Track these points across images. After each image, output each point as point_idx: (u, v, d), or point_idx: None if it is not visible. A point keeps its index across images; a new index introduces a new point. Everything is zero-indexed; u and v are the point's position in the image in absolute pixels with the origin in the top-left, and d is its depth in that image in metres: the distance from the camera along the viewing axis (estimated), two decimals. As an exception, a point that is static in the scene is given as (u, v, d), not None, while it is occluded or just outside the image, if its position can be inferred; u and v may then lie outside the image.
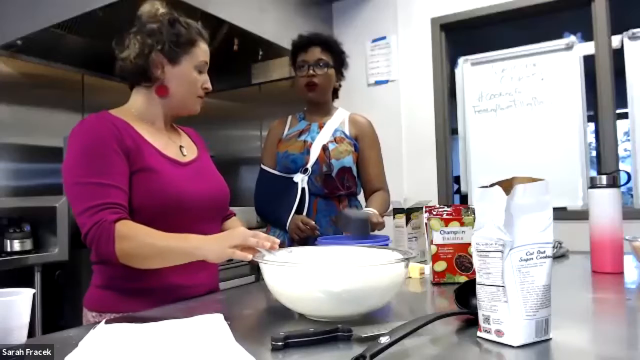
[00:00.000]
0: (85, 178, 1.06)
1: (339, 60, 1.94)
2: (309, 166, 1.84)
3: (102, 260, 1.12)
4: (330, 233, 1.81)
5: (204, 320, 0.81)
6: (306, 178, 1.85)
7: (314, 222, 1.79)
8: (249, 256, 0.96)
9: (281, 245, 1.84)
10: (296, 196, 1.85)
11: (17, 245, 2.12)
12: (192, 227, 1.16)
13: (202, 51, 1.23)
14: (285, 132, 1.98)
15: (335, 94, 2.02)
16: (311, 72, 1.87)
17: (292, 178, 1.88)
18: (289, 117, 2.02)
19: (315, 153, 1.85)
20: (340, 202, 1.89)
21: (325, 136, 1.89)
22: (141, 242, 1.03)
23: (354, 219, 1.61)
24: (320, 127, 1.92)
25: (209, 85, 1.26)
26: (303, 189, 1.85)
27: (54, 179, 2.76)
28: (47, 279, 2.24)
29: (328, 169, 1.83)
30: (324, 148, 1.85)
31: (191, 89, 1.23)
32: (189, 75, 1.22)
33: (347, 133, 1.92)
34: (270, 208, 1.94)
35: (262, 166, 1.99)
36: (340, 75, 1.98)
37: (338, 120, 1.95)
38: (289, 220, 1.83)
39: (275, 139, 1.98)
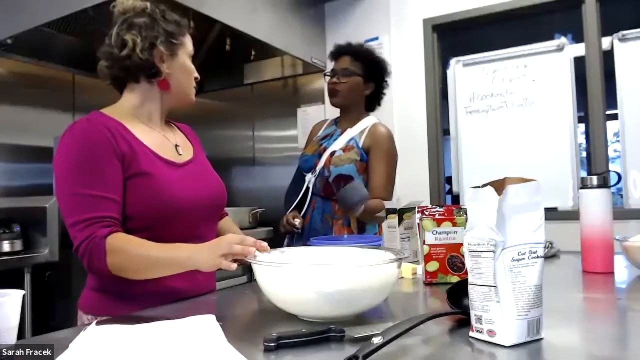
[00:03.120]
0: (77, 189, 1.05)
1: (370, 69, 2.03)
2: (317, 169, 1.99)
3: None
4: (321, 230, 1.94)
5: (195, 322, 0.81)
6: (313, 179, 2.00)
7: (297, 222, 1.94)
8: (234, 266, 0.96)
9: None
10: (299, 193, 2.03)
11: (6, 246, 2.10)
12: (189, 230, 1.15)
13: (190, 40, 1.27)
14: (319, 133, 2.14)
15: (371, 102, 2.10)
16: (335, 79, 2.01)
17: (305, 176, 2.06)
18: (328, 121, 2.18)
19: (325, 158, 1.99)
20: (337, 203, 1.96)
21: (340, 143, 2.00)
22: (133, 255, 1.02)
23: (353, 190, 1.77)
24: (343, 133, 2.04)
25: (197, 75, 1.29)
26: (307, 188, 2.02)
27: (44, 179, 2.73)
28: (38, 280, 2.22)
29: (328, 175, 1.96)
30: (331, 154, 1.98)
31: (189, 78, 1.26)
32: (187, 65, 1.25)
33: (360, 143, 1.99)
34: (287, 198, 2.13)
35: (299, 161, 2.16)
36: (371, 83, 2.05)
37: (359, 129, 2.02)
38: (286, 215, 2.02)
39: (310, 139, 2.17)
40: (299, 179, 2.10)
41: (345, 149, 1.97)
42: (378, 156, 1.98)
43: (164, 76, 1.20)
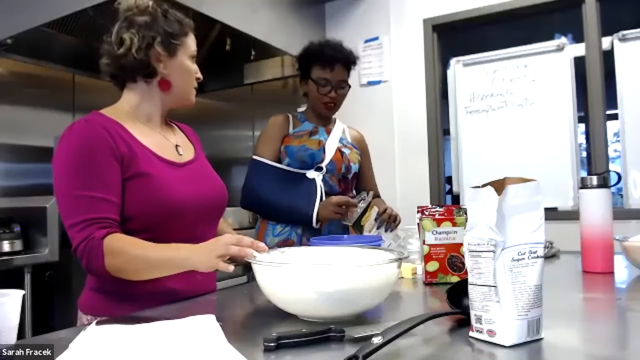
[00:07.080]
0: (75, 190, 1.05)
1: (349, 74, 1.96)
2: (323, 165, 1.85)
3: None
4: (340, 230, 1.85)
5: (195, 322, 0.81)
6: (321, 175, 1.85)
7: (347, 198, 1.78)
8: (231, 267, 0.96)
9: (289, 243, 1.83)
10: (316, 191, 1.82)
11: (6, 246, 2.10)
12: (190, 231, 1.15)
13: (193, 41, 1.24)
14: (291, 129, 1.93)
15: None
16: (333, 93, 1.88)
17: (304, 174, 1.85)
18: (290, 116, 1.98)
19: (330, 153, 1.88)
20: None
21: (335, 140, 1.94)
22: (131, 256, 1.02)
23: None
24: (328, 132, 1.97)
25: (200, 75, 1.26)
26: (317, 186, 1.83)
27: (44, 179, 2.73)
28: (38, 279, 2.22)
29: (346, 171, 1.91)
30: (340, 152, 1.91)
31: (189, 79, 1.24)
32: (187, 65, 1.22)
33: (354, 143, 2.02)
34: (283, 202, 1.85)
35: (262, 159, 1.88)
36: None
37: (340, 129, 2.01)
38: (314, 212, 1.78)
39: (281, 134, 1.92)
40: (286, 177, 1.86)
41: (347, 147, 1.96)
42: (367, 159, 2.09)
43: (163, 76, 1.19)
